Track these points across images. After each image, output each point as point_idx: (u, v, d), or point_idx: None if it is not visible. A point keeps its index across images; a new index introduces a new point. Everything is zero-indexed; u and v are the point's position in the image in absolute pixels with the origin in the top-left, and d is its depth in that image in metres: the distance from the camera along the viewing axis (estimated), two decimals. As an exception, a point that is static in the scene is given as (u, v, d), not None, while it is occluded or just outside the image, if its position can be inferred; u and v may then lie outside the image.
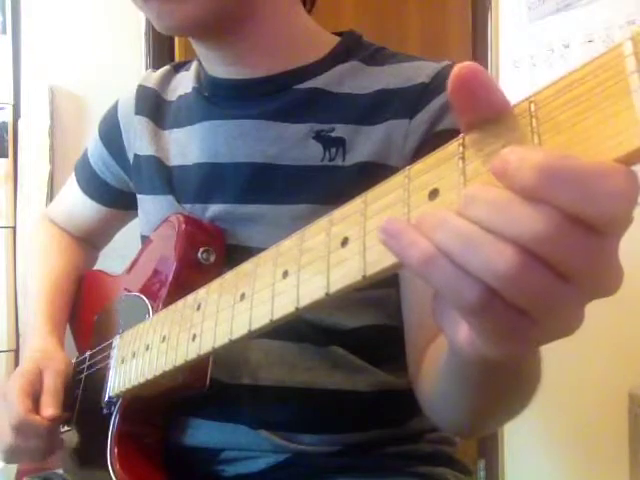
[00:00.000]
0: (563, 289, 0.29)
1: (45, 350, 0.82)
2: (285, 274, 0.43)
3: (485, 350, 0.34)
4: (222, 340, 0.49)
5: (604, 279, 0.30)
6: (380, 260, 0.35)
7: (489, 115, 0.31)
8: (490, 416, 0.58)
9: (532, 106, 0.30)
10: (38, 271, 0.95)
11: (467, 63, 0.30)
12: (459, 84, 0.31)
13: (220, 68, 0.75)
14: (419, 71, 0.70)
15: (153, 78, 0.86)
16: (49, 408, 0.73)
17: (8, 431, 0.73)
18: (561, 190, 0.27)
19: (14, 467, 0.89)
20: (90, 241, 1.02)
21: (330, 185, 0.68)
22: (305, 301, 0.40)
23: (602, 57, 0.28)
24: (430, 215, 0.31)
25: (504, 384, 0.49)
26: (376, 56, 0.74)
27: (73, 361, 0.84)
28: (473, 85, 0.31)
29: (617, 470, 1.33)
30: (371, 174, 0.66)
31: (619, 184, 0.27)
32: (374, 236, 0.36)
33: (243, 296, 0.47)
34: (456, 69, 0.30)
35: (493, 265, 0.29)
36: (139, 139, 0.83)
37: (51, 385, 0.76)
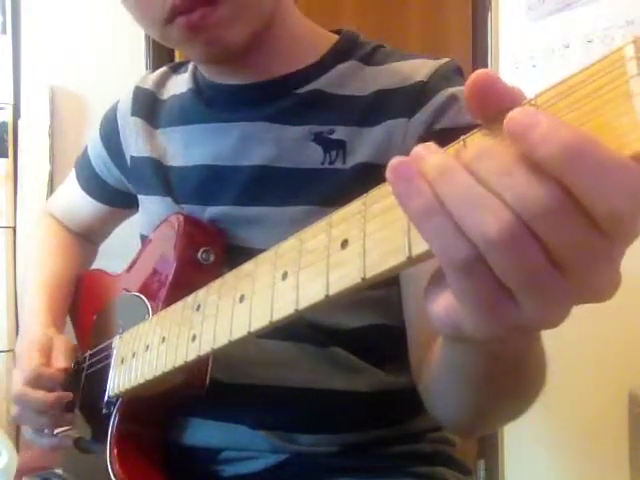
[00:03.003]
0: (550, 276, 0.29)
1: (48, 331, 0.84)
2: (285, 275, 0.43)
3: (463, 321, 0.33)
4: (221, 341, 0.49)
5: (596, 281, 0.29)
6: (380, 262, 0.35)
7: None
8: (490, 414, 0.58)
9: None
10: (37, 267, 0.95)
11: (480, 71, 0.30)
12: (474, 91, 0.31)
13: (220, 75, 0.75)
14: (417, 70, 0.69)
15: (150, 79, 0.86)
16: (59, 362, 0.78)
17: (20, 385, 0.76)
18: (580, 174, 0.27)
19: (14, 467, 0.89)
20: (89, 237, 1.02)
21: (330, 188, 0.68)
22: (305, 303, 0.40)
23: (603, 60, 0.27)
24: (439, 165, 0.30)
25: (501, 380, 0.49)
26: (374, 55, 0.74)
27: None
28: (487, 93, 0.30)
29: (617, 470, 1.33)
30: (371, 175, 0.65)
31: (633, 179, 0.26)
32: (374, 238, 0.36)
33: (243, 297, 0.47)
34: (471, 77, 0.30)
35: (485, 227, 0.28)
36: (134, 140, 0.83)
37: (61, 345, 0.80)
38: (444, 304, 0.34)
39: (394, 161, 0.32)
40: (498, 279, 0.30)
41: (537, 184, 0.28)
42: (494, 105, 0.30)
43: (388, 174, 0.32)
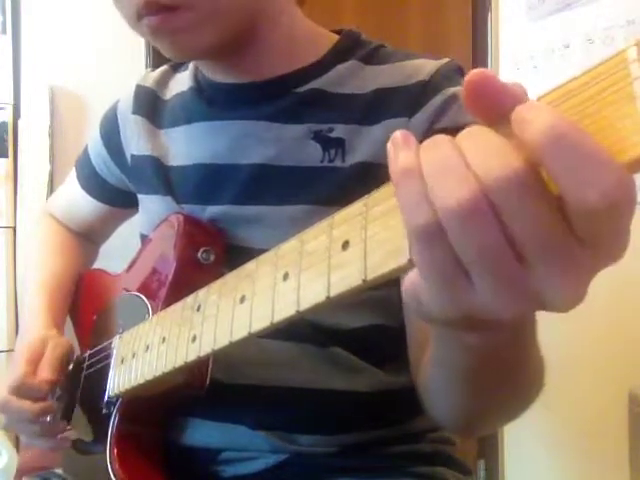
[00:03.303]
0: (506, 262, 0.29)
1: (47, 333, 0.83)
2: (286, 276, 0.43)
3: (422, 293, 0.33)
4: (222, 342, 0.49)
5: (556, 285, 0.29)
6: (381, 264, 0.35)
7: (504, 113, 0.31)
8: (484, 414, 0.58)
9: None
10: (37, 267, 0.95)
11: (476, 70, 0.31)
12: (471, 91, 0.31)
13: (220, 74, 0.75)
14: (418, 69, 0.69)
15: (151, 78, 0.86)
16: (43, 372, 0.76)
17: (6, 392, 0.76)
18: (556, 158, 0.27)
19: (14, 467, 0.89)
20: (89, 237, 1.02)
21: (330, 186, 0.68)
22: (306, 304, 0.40)
23: (606, 62, 0.27)
24: (432, 139, 0.32)
25: (491, 380, 0.49)
26: (375, 55, 0.74)
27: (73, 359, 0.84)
28: (483, 92, 0.31)
29: (617, 470, 1.33)
30: (371, 174, 0.66)
31: (609, 177, 0.26)
32: (375, 240, 0.36)
33: (243, 298, 0.47)
34: (467, 76, 0.31)
35: (447, 195, 0.29)
36: (136, 139, 0.83)
37: (49, 353, 0.79)
38: (411, 277, 0.34)
39: (398, 131, 0.33)
40: (455, 254, 0.30)
41: (507, 159, 0.28)
42: (494, 105, 0.30)
43: (390, 140, 0.33)
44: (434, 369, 0.55)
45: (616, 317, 1.36)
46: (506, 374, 0.49)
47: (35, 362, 0.77)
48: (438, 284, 0.32)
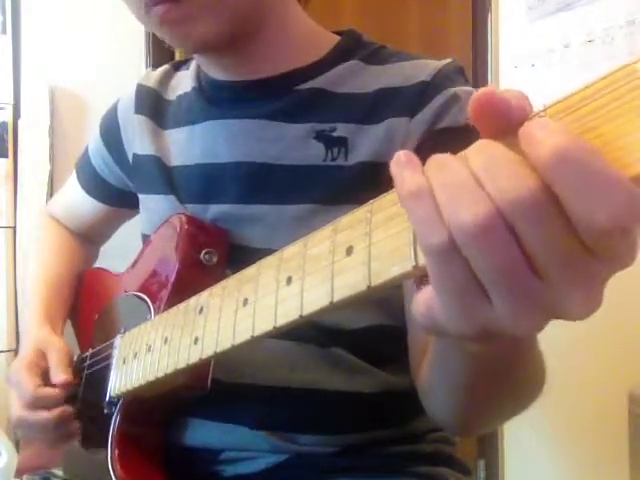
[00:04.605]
0: (524, 278, 0.29)
1: (44, 338, 0.83)
2: (289, 280, 0.42)
3: (438, 313, 0.33)
4: (224, 345, 0.49)
5: (573, 295, 0.29)
6: (385, 270, 0.35)
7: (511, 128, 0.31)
8: (481, 415, 0.59)
9: None
10: (36, 267, 0.95)
11: (483, 89, 0.31)
12: (477, 109, 0.31)
13: (221, 72, 0.75)
14: (420, 69, 0.70)
15: (153, 77, 0.86)
16: (59, 375, 0.75)
17: (20, 410, 0.75)
18: (566, 180, 0.27)
19: (14, 467, 0.89)
20: (89, 238, 1.02)
21: (332, 185, 0.68)
22: (309, 309, 0.40)
23: (616, 73, 0.27)
24: (437, 157, 0.32)
25: (494, 382, 0.49)
26: (376, 55, 0.74)
27: (74, 359, 0.84)
28: (489, 110, 0.31)
29: (617, 470, 1.33)
30: (373, 173, 0.66)
31: (617, 197, 0.26)
32: (380, 246, 0.36)
33: (246, 301, 0.47)
34: (474, 95, 0.31)
35: (462, 215, 0.29)
36: (138, 138, 0.83)
37: (55, 359, 0.78)
38: (424, 296, 0.34)
39: (400, 152, 0.33)
40: (473, 272, 0.30)
41: (521, 179, 0.28)
42: (501, 122, 0.30)
43: (392, 162, 0.33)
44: (433, 371, 0.56)
45: (616, 317, 1.36)
46: (506, 376, 0.49)
47: (38, 373, 0.77)
48: (455, 302, 0.32)
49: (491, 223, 0.28)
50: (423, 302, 0.34)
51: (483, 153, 0.30)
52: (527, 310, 0.30)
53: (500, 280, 0.30)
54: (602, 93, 0.27)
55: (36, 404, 0.74)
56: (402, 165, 0.33)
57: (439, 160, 0.31)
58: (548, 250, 0.28)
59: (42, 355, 0.79)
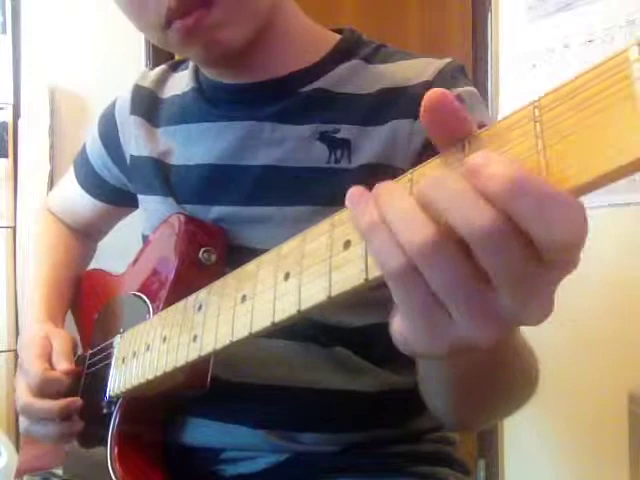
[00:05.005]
0: (477, 287, 0.31)
1: (50, 329, 0.82)
2: (287, 276, 0.43)
3: (408, 336, 0.36)
4: (223, 342, 0.49)
5: (529, 303, 0.31)
6: None
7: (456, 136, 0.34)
8: (477, 414, 0.60)
9: (536, 111, 0.30)
10: (35, 264, 0.94)
11: (433, 90, 0.33)
12: (428, 109, 0.33)
13: (222, 74, 0.75)
14: (422, 69, 0.69)
15: (149, 77, 0.86)
16: (61, 364, 0.75)
17: (26, 396, 0.74)
18: (523, 209, 0.29)
19: (14, 467, 0.89)
20: (88, 234, 1.01)
21: (336, 187, 0.67)
22: (307, 304, 0.40)
23: (607, 62, 0.27)
24: (385, 186, 0.35)
25: (479, 385, 0.50)
26: (377, 54, 0.73)
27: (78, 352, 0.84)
28: (440, 111, 0.33)
29: (617, 470, 1.33)
30: (377, 176, 0.65)
31: (573, 215, 0.29)
32: None
33: (244, 298, 0.47)
34: (426, 95, 0.33)
35: (413, 238, 0.32)
36: (134, 139, 0.82)
37: (58, 346, 0.78)
38: (397, 318, 0.37)
39: (354, 189, 0.37)
40: (431, 290, 0.33)
41: (482, 207, 0.30)
42: (448, 127, 0.34)
43: (347, 199, 0.37)
44: (420, 376, 0.57)
45: (616, 318, 1.36)
46: (490, 379, 0.50)
47: (47, 357, 0.76)
48: (419, 321, 0.34)
49: (439, 242, 0.31)
50: (396, 325, 0.37)
51: (438, 185, 0.32)
52: (486, 321, 0.33)
53: (455, 295, 0.32)
54: (596, 81, 0.28)
55: (43, 387, 0.73)
56: (355, 202, 0.36)
57: (388, 189, 0.34)
58: (501, 267, 0.30)
59: (48, 340, 0.79)
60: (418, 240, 0.31)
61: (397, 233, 0.33)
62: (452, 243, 0.31)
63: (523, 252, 0.30)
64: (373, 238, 0.34)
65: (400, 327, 0.36)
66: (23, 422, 0.77)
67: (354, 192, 0.36)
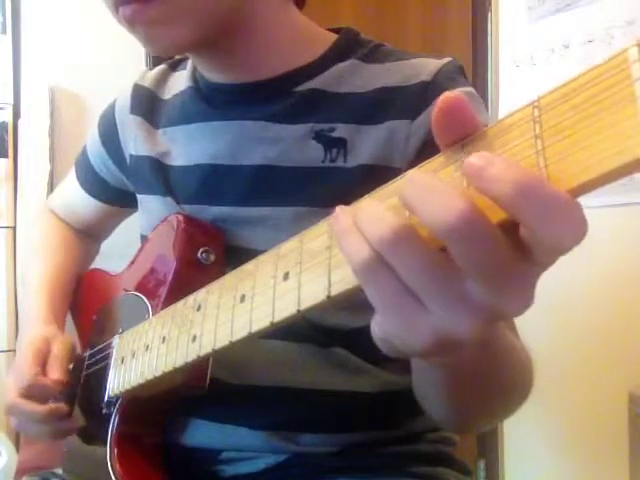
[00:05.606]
0: (450, 281, 0.32)
1: (52, 331, 0.82)
2: (286, 276, 0.43)
3: (387, 333, 0.36)
4: (222, 342, 0.49)
5: (511, 297, 0.32)
6: None
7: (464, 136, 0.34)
8: (472, 416, 0.60)
9: (536, 111, 0.30)
10: (37, 264, 0.94)
11: (446, 95, 0.33)
12: (443, 113, 0.33)
13: (218, 74, 0.75)
14: (420, 69, 0.69)
15: (149, 77, 0.86)
16: (54, 372, 0.75)
17: (14, 396, 0.74)
18: (528, 211, 0.29)
19: (14, 467, 0.89)
20: (90, 234, 1.01)
21: (332, 187, 0.67)
22: (306, 303, 0.40)
23: (607, 63, 0.27)
24: (366, 206, 0.35)
25: (470, 387, 0.50)
26: (375, 53, 0.73)
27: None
28: (454, 116, 0.33)
29: (617, 470, 1.33)
30: (374, 177, 0.65)
31: (575, 217, 0.29)
32: None
33: (243, 298, 0.47)
34: (440, 100, 0.33)
35: (378, 229, 0.33)
36: (134, 139, 0.82)
37: (57, 352, 0.78)
38: (376, 320, 0.37)
39: (337, 207, 0.38)
40: (402, 281, 0.33)
41: (450, 201, 0.30)
42: (459, 131, 0.33)
43: (332, 219, 0.37)
44: (414, 382, 0.58)
45: (616, 318, 1.36)
46: (482, 381, 0.50)
47: (42, 362, 0.76)
48: (393, 314, 0.35)
49: (403, 231, 0.32)
50: (375, 324, 0.37)
51: (413, 182, 0.32)
52: (463, 310, 0.32)
53: (426, 284, 0.32)
54: (596, 81, 0.28)
55: (30, 391, 0.73)
56: (334, 216, 0.37)
57: (366, 201, 0.37)
58: (471, 263, 0.31)
59: (47, 343, 0.79)
60: (381, 232, 0.32)
61: (363, 230, 0.34)
62: (417, 234, 0.32)
63: (498, 248, 0.30)
64: (342, 239, 0.35)
65: (380, 324, 0.36)
66: (13, 420, 0.77)
67: (337, 210, 0.37)
